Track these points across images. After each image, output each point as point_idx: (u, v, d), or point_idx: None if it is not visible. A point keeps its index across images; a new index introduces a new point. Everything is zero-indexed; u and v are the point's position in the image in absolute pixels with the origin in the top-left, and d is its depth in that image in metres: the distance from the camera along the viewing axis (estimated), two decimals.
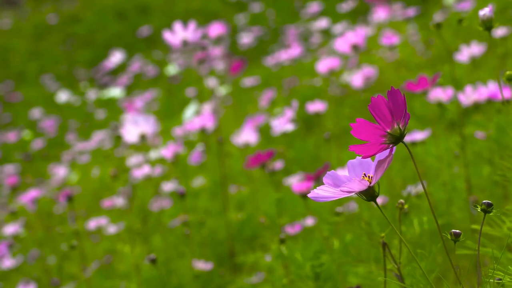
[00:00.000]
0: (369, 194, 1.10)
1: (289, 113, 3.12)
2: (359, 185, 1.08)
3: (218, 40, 3.56)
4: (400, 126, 1.07)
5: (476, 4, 4.51)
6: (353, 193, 1.09)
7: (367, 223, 1.72)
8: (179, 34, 2.75)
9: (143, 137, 2.72)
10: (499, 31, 2.89)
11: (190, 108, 4.91)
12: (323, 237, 1.94)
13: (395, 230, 1.12)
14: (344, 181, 1.10)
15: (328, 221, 2.02)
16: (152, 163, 3.74)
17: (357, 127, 1.06)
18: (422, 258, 1.37)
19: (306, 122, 4.58)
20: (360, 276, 1.85)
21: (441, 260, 2.01)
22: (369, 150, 1.07)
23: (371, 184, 1.09)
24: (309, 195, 1.10)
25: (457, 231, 1.15)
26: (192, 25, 2.75)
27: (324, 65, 3.40)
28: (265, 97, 4.51)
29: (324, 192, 1.10)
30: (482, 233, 1.51)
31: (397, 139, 1.08)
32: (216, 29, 3.59)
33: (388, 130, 1.07)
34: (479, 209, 1.14)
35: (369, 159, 1.11)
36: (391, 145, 1.08)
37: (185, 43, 2.74)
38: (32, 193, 3.56)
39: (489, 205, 1.13)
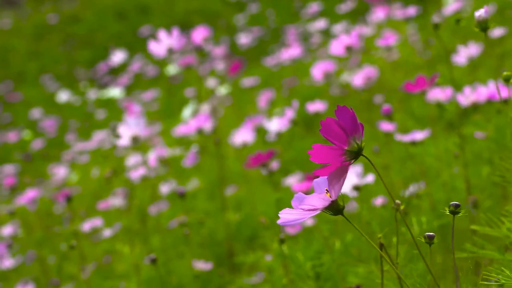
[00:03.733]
0: (333, 208, 1.10)
1: (290, 113, 3.12)
2: (320, 201, 1.07)
3: (216, 41, 3.52)
4: (356, 140, 1.07)
5: (473, 4, 4.51)
6: (318, 210, 1.08)
7: (367, 223, 1.72)
8: (164, 42, 2.73)
9: (135, 140, 2.70)
10: (496, 32, 2.89)
11: (189, 108, 4.91)
12: (323, 237, 1.94)
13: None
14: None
15: (328, 220, 2.02)
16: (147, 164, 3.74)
17: (315, 153, 1.07)
18: (419, 258, 1.37)
19: (306, 122, 4.58)
20: (360, 276, 1.85)
21: (440, 260, 2.01)
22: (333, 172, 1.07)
23: (333, 199, 1.08)
24: (278, 222, 1.09)
25: (431, 233, 1.16)
26: (175, 32, 2.73)
27: (319, 69, 3.40)
28: (264, 97, 4.51)
29: (290, 215, 1.09)
30: (481, 234, 1.51)
31: (356, 154, 1.08)
32: (201, 32, 3.51)
33: (346, 148, 1.07)
34: (447, 212, 1.15)
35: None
36: (352, 161, 1.08)
37: (170, 51, 2.73)
38: (30, 193, 3.55)
39: (457, 206, 1.14)
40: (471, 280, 1.26)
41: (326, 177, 1.12)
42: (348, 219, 1.11)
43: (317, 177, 1.14)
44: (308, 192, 2.11)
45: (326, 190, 1.11)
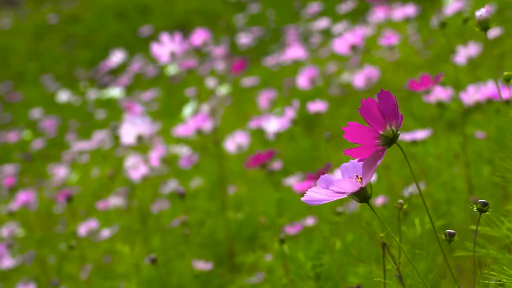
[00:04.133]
0: (361, 195, 1.10)
1: (290, 113, 3.12)
2: (350, 185, 1.07)
3: (204, 46, 3.50)
4: (392, 127, 1.07)
5: (473, 4, 4.51)
6: (346, 194, 1.08)
7: (368, 222, 1.72)
8: (167, 46, 2.73)
9: (140, 138, 2.71)
10: (494, 32, 2.89)
11: (189, 107, 4.91)
12: (323, 237, 1.94)
13: (391, 232, 1.12)
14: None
15: (328, 221, 2.01)
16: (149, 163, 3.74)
17: (349, 131, 1.06)
18: (420, 258, 1.37)
19: (306, 122, 4.58)
20: (360, 276, 1.85)
21: (441, 260, 2.01)
22: (364, 153, 1.07)
23: (362, 185, 1.08)
24: (302, 199, 1.09)
25: (451, 231, 1.15)
26: (178, 36, 2.73)
27: (305, 77, 3.40)
28: (263, 97, 4.51)
29: (317, 194, 1.09)
30: (481, 234, 1.51)
31: (391, 140, 1.07)
32: (200, 35, 3.50)
33: (381, 132, 1.07)
34: (475, 209, 1.14)
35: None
36: (385, 147, 1.07)
37: (172, 55, 2.73)
38: (22, 196, 3.53)
39: (485, 204, 1.13)
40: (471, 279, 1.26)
41: (355, 162, 1.11)
42: (372, 207, 1.11)
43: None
44: None
45: (356, 175, 1.11)
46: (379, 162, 1.08)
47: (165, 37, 2.72)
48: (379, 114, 1.06)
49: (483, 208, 1.13)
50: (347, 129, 1.06)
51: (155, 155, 3.37)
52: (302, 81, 3.43)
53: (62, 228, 4.10)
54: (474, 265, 1.14)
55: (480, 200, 1.14)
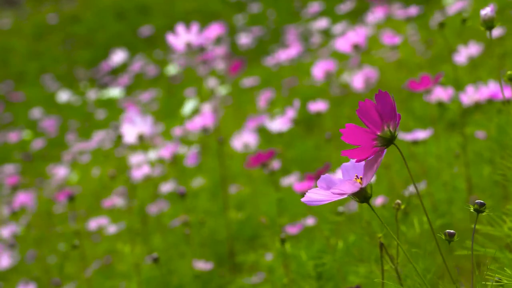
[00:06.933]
0: (361, 196, 1.10)
1: (291, 113, 3.12)
2: (350, 187, 1.07)
3: (217, 41, 3.52)
4: (390, 128, 1.07)
5: (473, 5, 4.52)
6: (346, 195, 1.08)
7: (368, 222, 1.72)
8: (182, 36, 2.69)
9: (141, 138, 2.71)
10: (496, 31, 2.90)
11: (189, 104, 4.90)
12: (324, 236, 1.94)
13: (390, 231, 1.12)
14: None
15: (329, 221, 2.02)
16: (152, 163, 3.74)
17: (347, 132, 1.06)
18: (418, 258, 1.37)
19: (306, 122, 4.58)
20: (361, 276, 1.85)
21: (441, 260, 2.01)
22: (362, 154, 1.07)
23: (363, 186, 1.09)
24: (302, 200, 1.09)
25: (451, 231, 1.15)
26: (195, 27, 2.69)
27: (320, 68, 3.38)
28: (263, 97, 4.51)
29: (317, 195, 1.09)
30: (482, 233, 1.51)
31: (388, 141, 1.08)
32: (215, 30, 3.54)
33: (379, 133, 1.07)
34: (471, 209, 1.14)
35: (363, 162, 1.11)
36: (384, 148, 1.08)
37: (189, 46, 2.69)
38: (21, 198, 3.54)
39: (482, 205, 1.13)
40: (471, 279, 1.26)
41: (355, 162, 1.11)
42: (372, 207, 1.11)
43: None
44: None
45: (356, 176, 1.11)
46: (379, 162, 1.08)
47: (180, 28, 2.68)
48: (376, 116, 1.06)
49: (480, 208, 1.13)
50: (344, 130, 1.06)
51: (166, 152, 3.36)
52: (318, 72, 3.39)
53: (71, 224, 4.10)
54: (473, 265, 1.14)
55: (477, 201, 1.14)
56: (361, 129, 1.07)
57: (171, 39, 2.68)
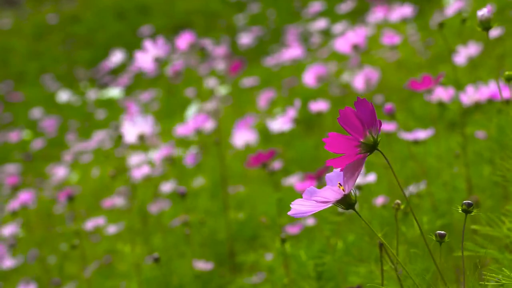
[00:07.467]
0: (345, 203, 1.10)
1: (292, 112, 3.12)
2: (333, 193, 1.07)
3: (191, 48, 3.46)
4: (372, 134, 1.07)
5: (473, 5, 4.52)
6: (330, 203, 1.08)
7: (368, 222, 1.72)
8: (151, 51, 2.73)
9: (141, 138, 2.72)
10: (495, 32, 2.90)
11: (192, 108, 4.91)
12: (324, 236, 1.94)
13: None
14: None
15: (329, 221, 2.02)
16: (151, 163, 3.75)
17: (330, 141, 1.06)
18: (418, 258, 1.38)
19: (306, 122, 4.58)
20: (361, 276, 1.86)
21: (441, 260, 2.01)
22: (346, 162, 1.07)
23: (345, 192, 1.08)
24: (289, 213, 1.09)
25: (442, 232, 1.15)
26: (160, 41, 2.74)
27: (311, 74, 3.38)
28: (263, 97, 4.51)
29: (302, 206, 1.09)
30: (482, 234, 1.51)
31: (372, 147, 1.08)
32: (185, 38, 3.44)
33: (362, 140, 1.07)
34: (459, 210, 1.15)
35: None
36: (367, 154, 1.08)
37: (157, 60, 2.73)
38: (23, 197, 3.54)
39: (469, 205, 1.14)
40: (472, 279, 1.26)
41: (338, 172, 1.11)
42: (359, 214, 1.11)
43: (330, 168, 1.13)
44: None
45: (339, 184, 1.11)
46: (361, 169, 1.08)
47: (148, 44, 2.73)
48: (358, 122, 1.06)
49: (468, 209, 1.14)
50: (327, 140, 1.06)
51: (161, 154, 3.37)
52: (309, 78, 3.39)
53: (69, 224, 4.10)
54: (463, 265, 1.14)
55: (464, 201, 1.15)
56: (344, 137, 1.07)
57: (139, 57, 2.71)
